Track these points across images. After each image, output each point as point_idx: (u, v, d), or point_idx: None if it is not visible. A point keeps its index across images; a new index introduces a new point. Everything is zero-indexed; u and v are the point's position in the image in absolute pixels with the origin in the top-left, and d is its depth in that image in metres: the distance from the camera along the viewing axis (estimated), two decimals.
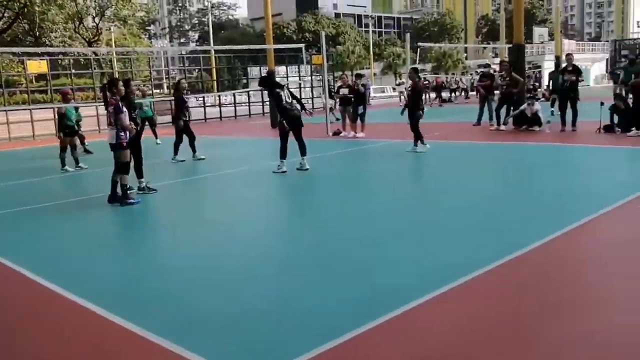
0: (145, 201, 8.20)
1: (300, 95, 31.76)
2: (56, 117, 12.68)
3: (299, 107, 10.22)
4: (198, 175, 10.93)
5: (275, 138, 10.26)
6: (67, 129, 12.28)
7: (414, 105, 11.73)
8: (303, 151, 10.12)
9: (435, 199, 7.65)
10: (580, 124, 14.02)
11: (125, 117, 7.95)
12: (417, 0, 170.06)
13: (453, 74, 49.82)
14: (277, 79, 26.36)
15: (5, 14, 29.44)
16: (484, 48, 79.00)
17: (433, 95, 32.10)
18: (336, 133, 16.30)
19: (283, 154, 9.97)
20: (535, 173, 9.22)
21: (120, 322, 3.83)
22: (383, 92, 47.87)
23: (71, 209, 8.14)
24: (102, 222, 7.39)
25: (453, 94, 35.30)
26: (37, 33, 30.71)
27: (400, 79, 36.52)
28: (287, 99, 9.91)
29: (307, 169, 10.06)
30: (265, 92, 24.69)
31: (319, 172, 10.25)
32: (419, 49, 25.12)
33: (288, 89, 10.26)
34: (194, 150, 12.53)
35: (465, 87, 37.23)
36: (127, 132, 7.99)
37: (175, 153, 12.41)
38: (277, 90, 9.97)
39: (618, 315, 3.64)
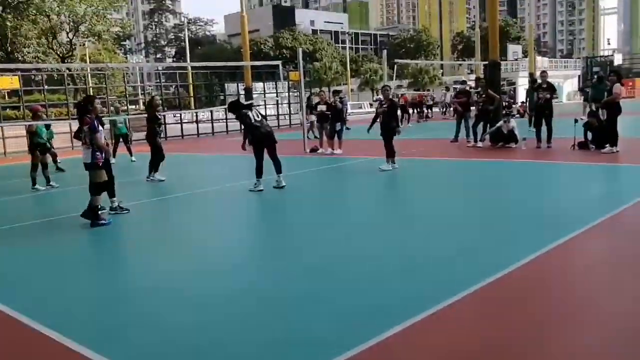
0: (117, 221, 7.99)
1: (278, 112, 32.00)
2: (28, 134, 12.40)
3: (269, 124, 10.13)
4: (173, 194, 10.72)
5: (252, 156, 10.11)
6: (39, 146, 12.00)
7: (389, 121, 11.71)
8: (278, 169, 10.02)
9: (412, 218, 7.57)
10: (555, 140, 14.14)
11: (101, 136, 7.79)
12: (394, 17, 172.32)
13: (429, 90, 50.24)
14: (254, 96, 26.34)
15: None
16: (460, 65, 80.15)
17: (411, 111, 32.18)
18: (313, 150, 16.23)
19: (259, 172, 9.84)
20: (513, 190, 9.23)
21: (87, 354, 3.64)
22: (360, 108, 48.17)
23: (40, 231, 7.89)
24: (72, 244, 7.16)
25: (429, 111, 35.48)
26: (9, 48, 30.24)
27: (378, 95, 36.71)
28: (256, 117, 9.81)
29: (283, 186, 9.95)
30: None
31: (296, 189, 10.13)
32: (395, 66, 25.27)
33: (256, 107, 10.18)
34: (156, 170, 12.16)
35: (447, 102, 37.35)
36: (104, 152, 7.82)
37: (150, 171, 12.17)
38: (244, 110, 9.87)
39: (601, 334, 3.57)
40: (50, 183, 12.04)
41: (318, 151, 16.10)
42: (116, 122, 16.82)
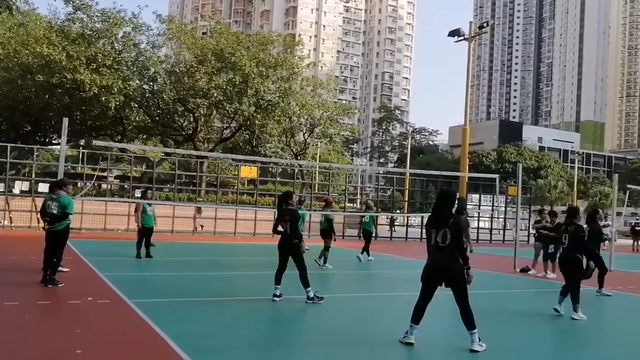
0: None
1: (491, 226, 31.14)
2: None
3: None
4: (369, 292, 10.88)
5: None
6: None
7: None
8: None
9: None
10: None
11: None
12: (632, 141, 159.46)
13: None
14: (469, 206, 26.11)
15: (232, 125, 33.79)
16: None
17: None
18: (524, 270, 15.30)
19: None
20: None
21: None
22: None
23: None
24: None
25: None
26: (255, 143, 34.59)
27: (605, 220, 33.74)
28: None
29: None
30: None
31: (497, 308, 9.58)
32: (628, 191, 23.25)
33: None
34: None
35: None
36: None
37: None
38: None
39: None
40: None
41: (529, 272, 15.14)
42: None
